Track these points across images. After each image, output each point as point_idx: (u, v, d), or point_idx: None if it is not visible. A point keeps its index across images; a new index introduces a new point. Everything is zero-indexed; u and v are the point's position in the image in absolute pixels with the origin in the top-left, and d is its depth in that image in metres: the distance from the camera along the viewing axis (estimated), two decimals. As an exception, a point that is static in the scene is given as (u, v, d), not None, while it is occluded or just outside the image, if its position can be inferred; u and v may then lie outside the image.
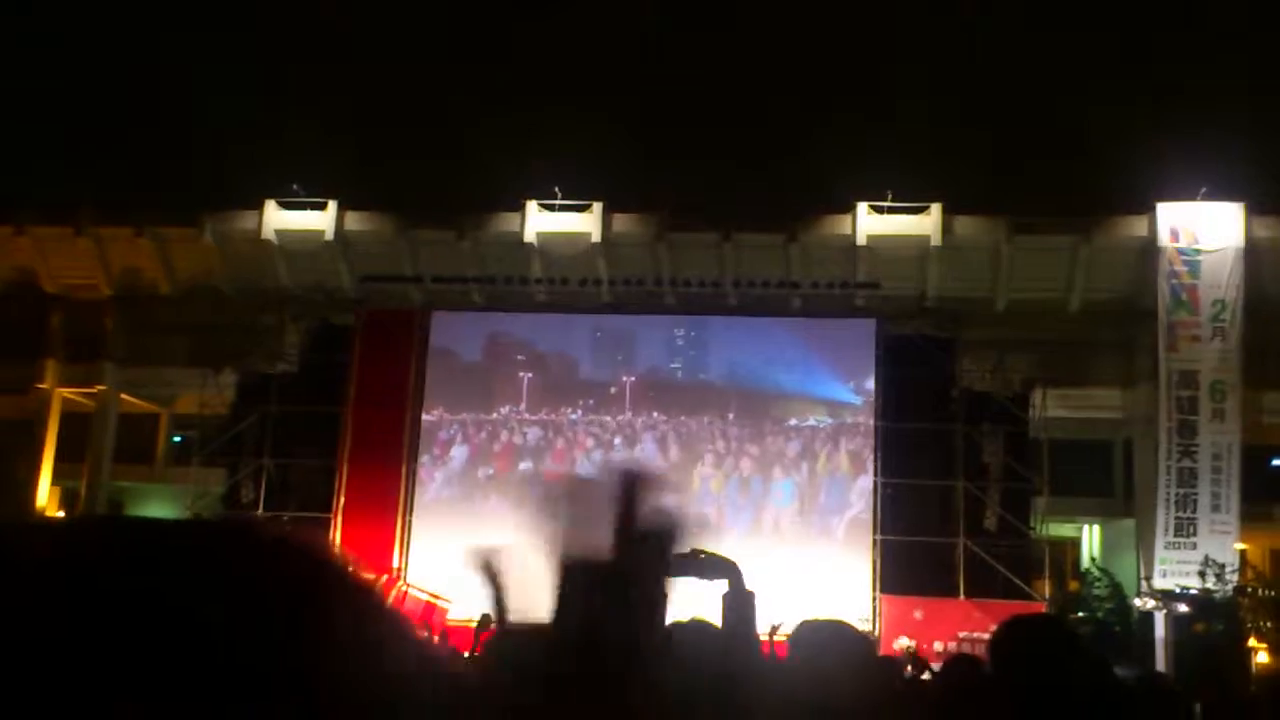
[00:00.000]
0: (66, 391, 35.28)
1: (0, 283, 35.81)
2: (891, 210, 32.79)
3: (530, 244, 33.32)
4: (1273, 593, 28.09)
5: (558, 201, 33.58)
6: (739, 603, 2.69)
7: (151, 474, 37.03)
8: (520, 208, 33.74)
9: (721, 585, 2.76)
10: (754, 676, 2.54)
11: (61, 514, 35.11)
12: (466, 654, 18.37)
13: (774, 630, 7.48)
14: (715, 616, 2.79)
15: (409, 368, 30.00)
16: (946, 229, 32.64)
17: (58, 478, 35.20)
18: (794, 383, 29.24)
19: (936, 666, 15.08)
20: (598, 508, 1.22)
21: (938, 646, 23.89)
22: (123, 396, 35.59)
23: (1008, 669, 3.15)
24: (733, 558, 2.88)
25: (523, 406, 29.82)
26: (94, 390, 35.01)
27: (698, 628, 2.76)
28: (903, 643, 23.86)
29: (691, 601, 2.85)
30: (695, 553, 2.92)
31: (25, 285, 35.63)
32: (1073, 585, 32.45)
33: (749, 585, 2.77)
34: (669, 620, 2.78)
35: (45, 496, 34.81)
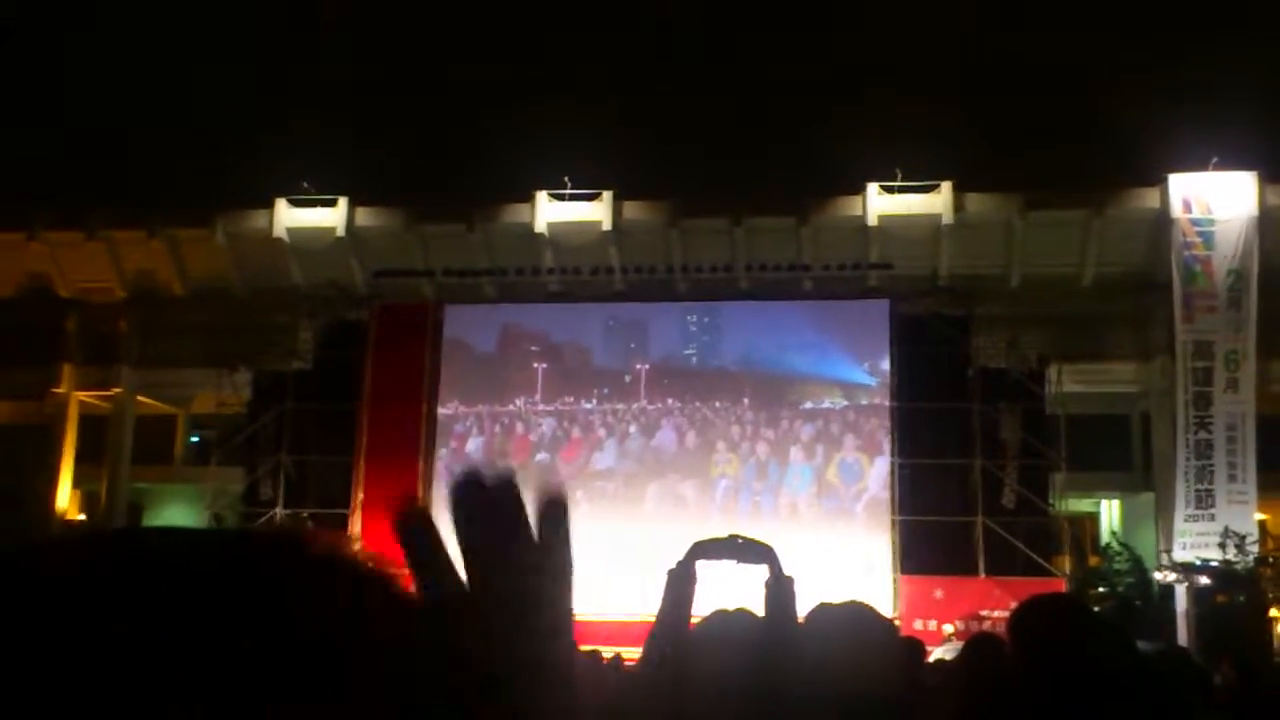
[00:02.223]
0: (83, 395, 35.43)
1: (15, 288, 35.97)
2: (902, 189, 32.69)
3: (541, 234, 33.30)
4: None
5: (567, 191, 33.55)
6: (779, 590, 2.71)
7: (170, 475, 37.19)
8: (530, 198, 33.71)
9: (757, 570, 2.78)
10: (793, 666, 2.57)
11: (83, 517, 35.35)
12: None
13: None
14: (754, 604, 2.81)
15: (423, 362, 30.07)
16: (958, 206, 32.53)
17: (78, 481, 35.39)
18: (808, 365, 29.20)
19: (941, 650, 15.09)
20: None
21: (960, 626, 23.86)
22: (139, 398, 35.72)
23: (1027, 649, 3.17)
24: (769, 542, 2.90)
25: (538, 397, 29.87)
26: (111, 393, 35.15)
27: (739, 618, 2.78)
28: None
29: (731, 589, 2.88)
30: (732, 537, 2.94)
31: (40, 290, 35.80)
32: (1093, 560, 32.40)
33: (787, 571, 2.79)
34: (711, 609, 2.81)
35: (66, 500, 35.02)
